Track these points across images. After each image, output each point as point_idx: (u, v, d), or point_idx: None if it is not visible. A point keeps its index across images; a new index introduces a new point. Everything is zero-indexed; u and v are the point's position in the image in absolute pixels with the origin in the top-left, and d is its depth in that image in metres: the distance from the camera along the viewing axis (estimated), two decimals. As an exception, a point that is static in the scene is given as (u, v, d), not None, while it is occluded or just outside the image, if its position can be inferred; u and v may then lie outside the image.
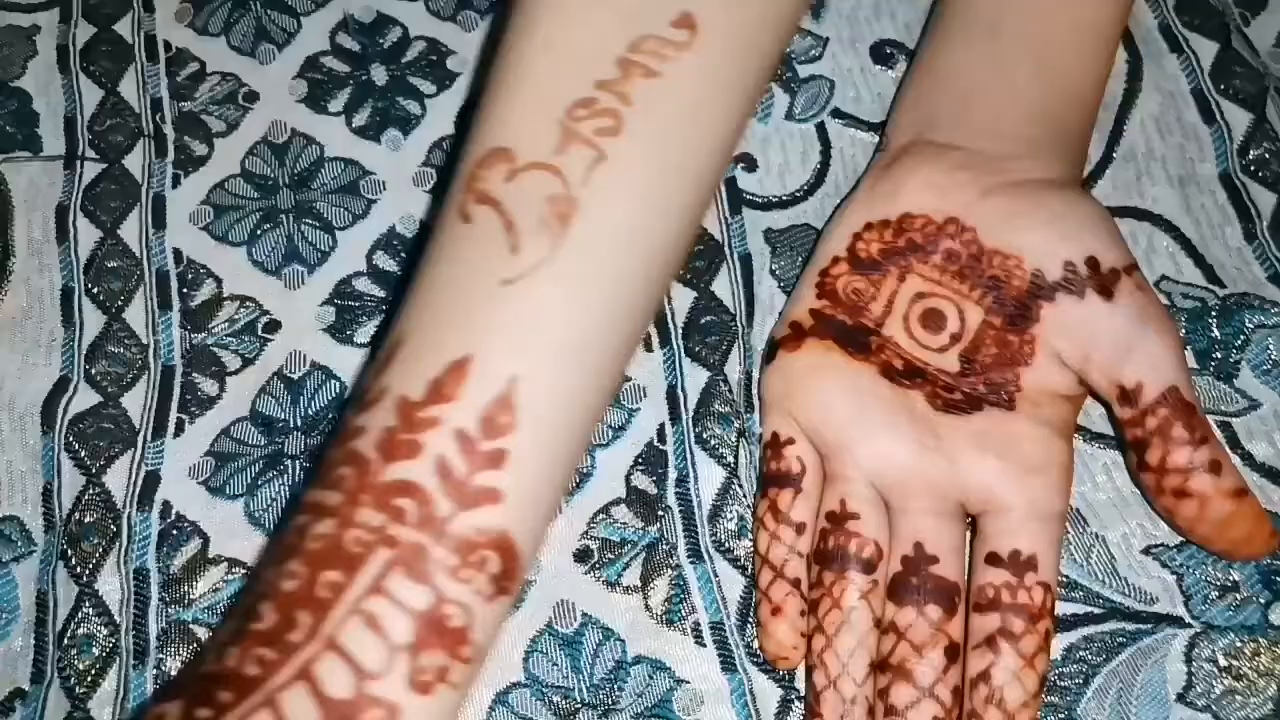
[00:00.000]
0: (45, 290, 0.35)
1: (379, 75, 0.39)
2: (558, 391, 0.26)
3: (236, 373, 0.34)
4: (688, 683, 0.30)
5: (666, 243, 0.28)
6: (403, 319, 0.27)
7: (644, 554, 0.31)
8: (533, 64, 0.27)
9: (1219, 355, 0.32)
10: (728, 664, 0.30)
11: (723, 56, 0.28)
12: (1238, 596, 0.30)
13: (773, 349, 0.32)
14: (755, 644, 0.30)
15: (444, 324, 0.26)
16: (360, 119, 0.38)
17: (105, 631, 0.30)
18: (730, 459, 0.32)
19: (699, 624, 0.30)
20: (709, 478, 0.32)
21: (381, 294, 0.35)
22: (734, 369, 0.33)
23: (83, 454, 0.33)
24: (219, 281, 0.35)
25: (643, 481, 0.32)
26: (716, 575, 0.31)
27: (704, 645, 0.30)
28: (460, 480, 0.24)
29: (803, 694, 0.29)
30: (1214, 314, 0.33)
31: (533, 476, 0.25)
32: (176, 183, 0.37)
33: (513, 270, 0.25)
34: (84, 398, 0.34)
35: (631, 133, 0.26)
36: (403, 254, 0.36)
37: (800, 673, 0.30)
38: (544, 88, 0.27)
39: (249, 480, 0.32)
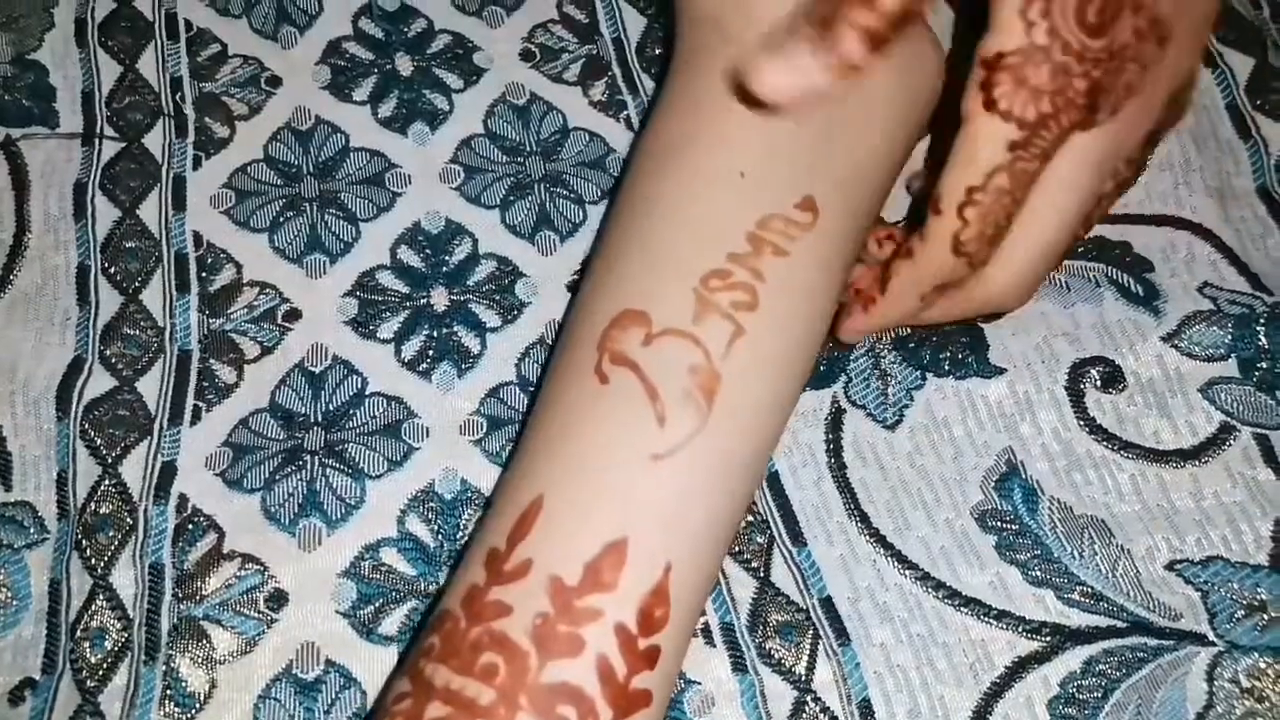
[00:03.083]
0: (60, 267, 0.33)
1: (404, 65, 0.37)
2: (700, 575, 0.25)
3: (255, 360, 0.32)
4: (699, 684, 0.28)
5: (789, 410, 0.28)
6: (533, 473, 0.25)
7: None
8: (664, 231, 0.27)
9: (1264, 365, 0.31)
10: (739, 665, 0.29)
11: (838, 237, 0.28)
12: (1265, 617, 0.28)
13: None
14: (766, 645, 0.29)
15: (592, 497, 0.24)
16: (386, 110, 0.36)
17: (118, 625, 0.29)
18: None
19: (709, 625, 0.29)
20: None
21: (405, 289, 0.33)
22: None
23: (99, 443, 0.31)
24: (239, 267, 0.34)
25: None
26: (726, 577, 0.29)
27: (714, 646, 0.29)
28: (620, 684, 0.23)
29: (817, 695, 0.28)
30: (1262, 321, 0.31)
31: (675, 667, 0.25)
32: (197, 164, 0.35)
33: (662, 445, 0.25)
34: (99, 382, 0.32)
35: (766, 308, 0.26)
36: (427, 249, 0.34)
37: (816, 677, 0.28)
38: (677, 255, 0.27)
39: (267, 474, 0.30)
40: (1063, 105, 0.25)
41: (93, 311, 0.33)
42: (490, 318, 0.33)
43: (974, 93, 0.25)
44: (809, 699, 0.28)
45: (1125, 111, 0.26)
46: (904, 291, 0.28)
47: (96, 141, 0.35)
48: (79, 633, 0.28)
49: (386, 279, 0.33)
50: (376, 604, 0.29)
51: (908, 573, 0.29)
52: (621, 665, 0.23)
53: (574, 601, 0.23)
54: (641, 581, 0.24)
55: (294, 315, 0.33)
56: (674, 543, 0.24)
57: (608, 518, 0.24)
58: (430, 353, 0.32)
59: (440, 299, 0.33)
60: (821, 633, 0.29)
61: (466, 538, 0.30)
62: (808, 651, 0.29)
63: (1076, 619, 0.28)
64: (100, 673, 0.28)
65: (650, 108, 0.35)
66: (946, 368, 0.32)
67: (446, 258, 0.34)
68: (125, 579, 0.29)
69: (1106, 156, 0.27)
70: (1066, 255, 0.31)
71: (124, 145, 0.35)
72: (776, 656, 0.29)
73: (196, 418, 0.31)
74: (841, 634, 0.29)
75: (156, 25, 0.37)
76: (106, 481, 0.30)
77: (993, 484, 0.30)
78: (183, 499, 0.30)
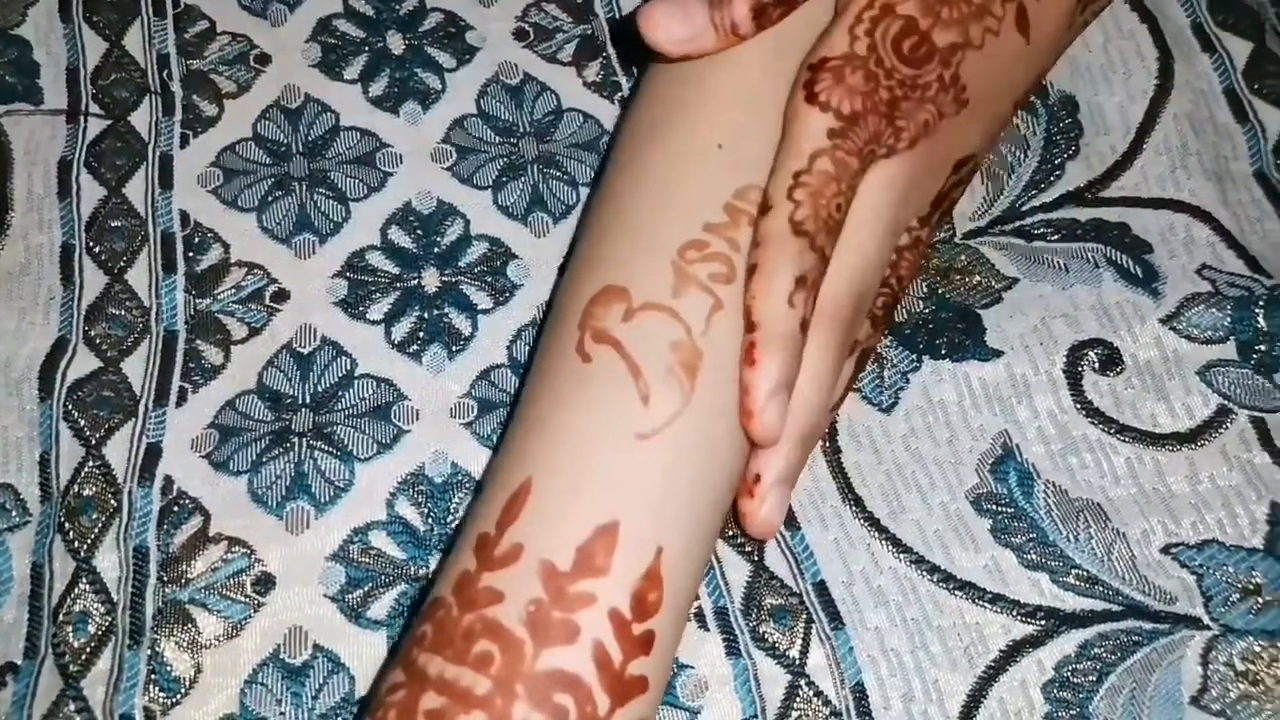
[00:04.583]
0: (44, 246, 0.33)
1: (395, 43, 0.36)
2: (692, 558, 0.25)
3: (242, 342, 0.31)
4: (692, 668, 0.28)
5: None
6: (520, 456, 0.25)
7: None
8: (643, 205, 0.27)
9: (1262, 348, 0.30)
10: (732, 649, 0.28)
11: None
12: (1259, 600, 0.28)
13: None
14: (760, 628, 0.28)
15: (580, 479, 0.24)
16: (377, 89, 0.35)
17: (102, 609, 0.28)
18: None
19: (702, 610, 0.28)
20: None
21: (395, 270, 0.33)
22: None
23: (82, 424, 0.30)
24: (226, 247, 0.33)
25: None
26: (720, 560, 0.29)
27: (707, 630, 0.28)
28: (617, 671, 0.23)
29: (810, 679, 0.28)
30: (1261, 303, 0.31)
31: (670, 652, 0.24)
32: (185, 143, 0.34)
33: (647, 424, 0.24)
34: (83, 362, 0.31)
35: (743, 279, 0.25)
36: (418, 230, 0.33)
37: (810, 660, 0.28)
38: (655, 228, 0.26)
39: (253, 456, 0.30)
40: (870, 107, 0.26)
41: (77, 291, 0.32)
42: (482, 299, 0.32)
43: (798, 92, 0.26)
44: (802, 683, 0.28)
45: (920, 148, 0.27)
46: (774, 297, 0.25)
47: (81, 119, 0.34)
48: (62, 617, 0.28)
49: (377, 260, 0.33)
50: (365, 588, 0.28)
51: (902, 556, 0.29)
52: (617, 651, 0.23)
53: (567, 587, 0.23)
54: (634, 565, 0.23)
55: (282, 296, 0.32)
56: (664, 524, 0.24)
57: (597, 500, 0.24)
58: (421, 334, 0.32)
59: (431, 280, 0.32)
60: (815, 617, 0.28)
61: (457, 522, 0.29)
62: (801, 635, 0.28)
63: (1071, 602, 0.28)
64: (83, 657, 0.27)
65: (634, 87, 0.34)
66: (943, 351, 0.31)
67: (438, 239, 0.33)
68: (109, 562, 0.28)
69: (908, 187, 0.28)
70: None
71: (109, 123, 0.34)
72: (770, 640, 0.28)
73: (182, 399, 0.30)
74: (835, 618, 0.28)
75: (143, 1, 0.36)
76: (90, 463, 0.29)
77: (988, 467, 0.30)
78: (168, 481, 0.29)
